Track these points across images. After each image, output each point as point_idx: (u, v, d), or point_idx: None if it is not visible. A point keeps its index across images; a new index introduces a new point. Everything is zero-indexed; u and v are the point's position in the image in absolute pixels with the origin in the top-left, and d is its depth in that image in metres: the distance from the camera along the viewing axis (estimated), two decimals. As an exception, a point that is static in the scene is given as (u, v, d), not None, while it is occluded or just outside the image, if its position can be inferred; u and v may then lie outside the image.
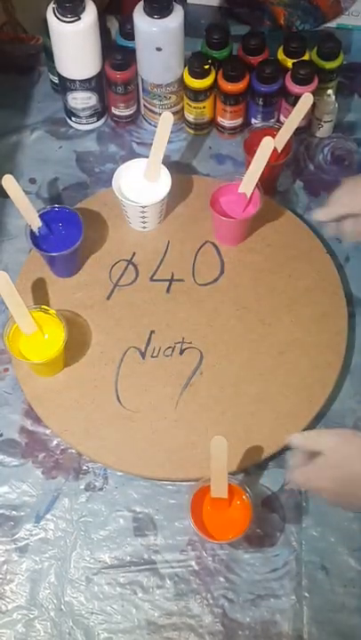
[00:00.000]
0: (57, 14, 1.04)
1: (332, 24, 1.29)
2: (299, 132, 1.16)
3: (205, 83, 1.11)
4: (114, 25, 1.23)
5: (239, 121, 1.16)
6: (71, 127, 1.20)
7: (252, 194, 1.03)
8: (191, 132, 1.19)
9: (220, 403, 0.98)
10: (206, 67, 1.10)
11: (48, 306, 0.97)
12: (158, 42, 1.07)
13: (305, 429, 0.96)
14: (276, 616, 0.89)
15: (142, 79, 1.14)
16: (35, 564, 0.92)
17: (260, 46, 1.14)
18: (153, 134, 1.04)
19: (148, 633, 0.88)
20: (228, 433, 0.86)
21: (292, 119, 1.03)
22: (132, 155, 1.16)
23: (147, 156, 1.05)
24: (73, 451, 0.97)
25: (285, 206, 1.11)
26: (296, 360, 1.00)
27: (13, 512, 0.94)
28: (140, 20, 1.06)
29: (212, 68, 1.11)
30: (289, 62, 1.13)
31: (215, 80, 1.12)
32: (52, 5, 1.05)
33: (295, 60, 1.12)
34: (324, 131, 1.17)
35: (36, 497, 0.95)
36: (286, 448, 0.96)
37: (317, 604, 0.89)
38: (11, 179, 0.97)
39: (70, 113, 1.18)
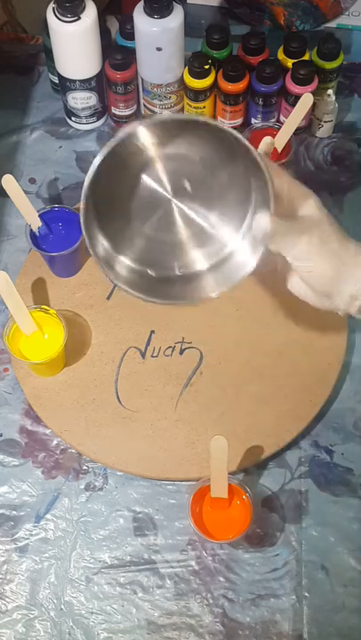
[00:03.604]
0: (57, 14, 1.05)
1: (333, 24, 1.29)
2: (299, 131, 1.16)
3: (205, 83, 1.11)
4: (114, 25, 1.23)
5: (239, 121, 1.16)
6: (71, 127, 1.20)
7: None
8: (191, 131, 1.19)
9: (220, 403, 0.98)
10: (206, 67, 1.10)
11: (48, 306, 0.97)
12: (158, 42, 1.07)
13: (305, 429, 0.97)
14: (276, 616, 0.89)
15: (142, 79, 1.14)
16: (35, 564, 0.92)
17: (260, 46, 1.14)
18: (153, 134, 1.04)
19: (148, 633, 0.88)
20: (228, 433, 0.86)
21: (292, 119, 1.03)
22: (132, 155, 1.16)
23: (147, 156, 1.05)
24: (73, 451, 0.97)
25: (285, 206, 1.11)
26: (296, 360, 1.00)
27: (13, 512, 0.94)
28: (140, 19, 1.06)
29: (212, 67, 1.11)
30: (289, 62, 1.13)
31: (215, 80, 1.12)
32: (52, 5, 1.05)
33: (295, 60, 1.12)
34: (324, 131, 1.17)
35: (36, 497, 0.95)
36: (286, 448, 0.96)
37: (317, 603, 0.89)
38: (11, 179, 0.97)
39: (70, 113, 1.18)
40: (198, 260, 0.83)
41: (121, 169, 0.78)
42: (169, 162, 0.79)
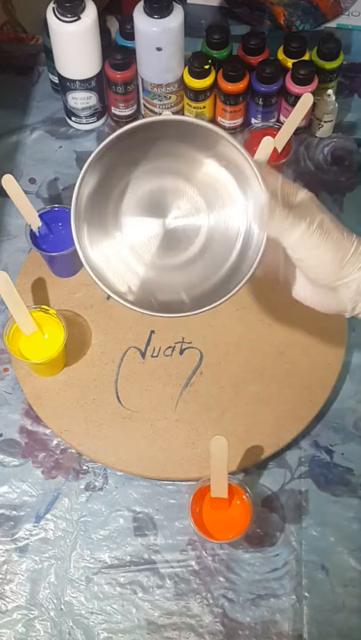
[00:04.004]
0: (57, 14, 1.05)
1: (333, 24, 1.29)
2: (299, 131, 1.16)
3: (205, 83, 1.11)
4: (114, 25, 1.23)
5: (239, 121, 1.16)
6: (71, 127, 1.20)
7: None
8: (191, 131, 1.19)
9: (220, 403, 0.98)
10: (206, 67, 1.10)
11: (48, 306, 0.97)
12: (158, 42, 1.07)
13: (305, 429, 0.97)
14: (276, 616, 0.89)
15: (142, 79, 1.14)
16: (35, 564, 0.92)
17: (260, 46, 1.14)
18: (153, 134, 1.04)
19: (148, 633, 0.88)
20: (228, 433, 0.86)
21: (292, 119, 1.03)
22: (132, 155, 1.16)
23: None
24: (73, 451, 0.97)
25: (285, 206, 1.11)
26: (296, 360, 1.00)
27: (13, 512, 0.94)
28: (140, 19, 1.06)
29: (212, 67, 1.11)
30: (289, 62, 1.13)
31: (215, 80, 1.12)
32: (52, 5, 1.05)
33: (295, 60, 1.12)
34: (324, 131, 1.17)
35: (36, 497, 0.95)
36: (286, 448, 0.96)
37: (317, 603, 0.89)
38: (11, 179, 0.97)
39: (70, 113, 1.18)
40: (218, 267, 0.80)
41: (103, 196, 0.77)
42: (152, 179, 0.77)
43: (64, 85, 1.14)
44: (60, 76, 1.13)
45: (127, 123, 1.18)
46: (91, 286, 1.05)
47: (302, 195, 0.77)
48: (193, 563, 0.91)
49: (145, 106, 1.18)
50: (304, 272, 0.79)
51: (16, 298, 0.93)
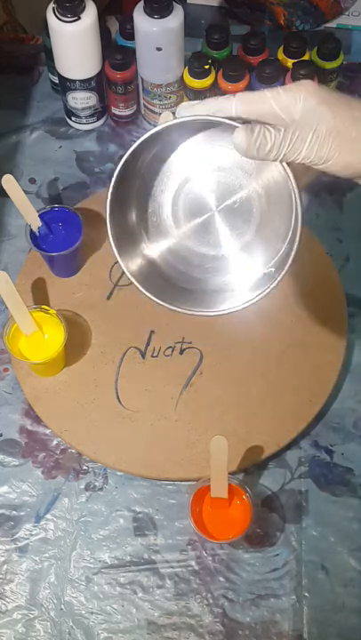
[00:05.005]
0: (57, 14, 1.05)
1: (333, 24, 1.29)
2: (299, 132, 1.16)
3: (205, 83, 1.11)
4: (114, 25, 1.23)
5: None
6: (71, 127, 1.20)
7: None
8: (191, 131, 1.19)
9: (220, 402, 0.98)
10: (206, 67, 1.10)
11: (48, 306, 0.97)
12: (158, 42, 1.07)
13: (305, 429, 0.97)
14: (276, 616, 0.89)
15: (142, 79, 1.14)
16: (35, 564, 0.92)
17: (260, 46, 1.14)
18: (153, 134, 1.04)
19: (148, 633, 0.88)
20: (228, 433, 0.86)
21: (292, 119, 1.03)
22: (132, 155, 1.16)
23: (147, 156, 1.05)
24: (73, 451, 0.97)
25: (285, 206, 1.11)
26: (296, 360, 1.00)
27: (13, 512, 0.94)
28: (140, 19, 1.06)
29: (212, 67, 1.11)
30: (289, 62, 1.13)
31: (215, 80, 1.12)
32: (52, 5, 1.05)
33: (295, 60, 1.12)
34: (324, 131, 1.17)
35: (36, 497, 0.95)
36: (286, 448, 0.96)
37: (317, 603, 0.89)
38: (11, 179, 0.97)
39: (70, 113, 1.18)
40: (252, 270, 0.76)
41: (159, 163, 0.72)
42: (219, 172, 0.73)
43: (64, 85, 1.14)
44: (60, 76, 1.13)
45: (127, 123, 1.19)
46: (91, 286, 1.05)
47: (298, 97, 0.66)
48: (193, 563, 0.91)
49: (145, 106, 1.18)
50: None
51: (16, 298, 0.93)
